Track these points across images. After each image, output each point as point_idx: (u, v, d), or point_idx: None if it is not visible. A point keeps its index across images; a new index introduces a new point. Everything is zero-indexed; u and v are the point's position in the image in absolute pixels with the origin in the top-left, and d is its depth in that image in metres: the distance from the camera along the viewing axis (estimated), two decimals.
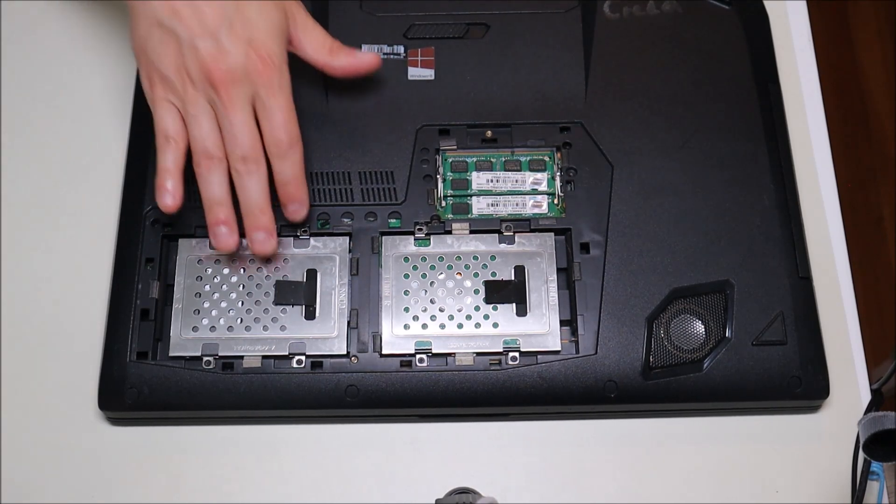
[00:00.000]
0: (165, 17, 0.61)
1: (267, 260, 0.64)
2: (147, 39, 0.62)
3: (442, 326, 0.63)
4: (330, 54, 0.66)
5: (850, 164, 1.42)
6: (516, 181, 0.67)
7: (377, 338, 0.63)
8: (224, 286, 0.64)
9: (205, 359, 0.62)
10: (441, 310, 0.63)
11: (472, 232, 0.65)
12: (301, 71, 0.69)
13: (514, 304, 0.64)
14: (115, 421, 0.63)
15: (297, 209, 0.64)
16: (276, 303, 0.63)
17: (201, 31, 0.60)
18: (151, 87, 0.63)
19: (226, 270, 0.64)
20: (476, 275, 0.64)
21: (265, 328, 0.63)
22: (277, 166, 0.63)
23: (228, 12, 0.61)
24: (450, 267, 0.65)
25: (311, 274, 0.64)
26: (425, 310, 0.63)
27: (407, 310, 0.63)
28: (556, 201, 0.67)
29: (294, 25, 0.65)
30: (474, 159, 0.68)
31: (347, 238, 0.65)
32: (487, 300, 0.64)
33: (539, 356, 0.62)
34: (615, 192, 0.66)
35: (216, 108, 0.61)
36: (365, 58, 0.67)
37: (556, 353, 0.63)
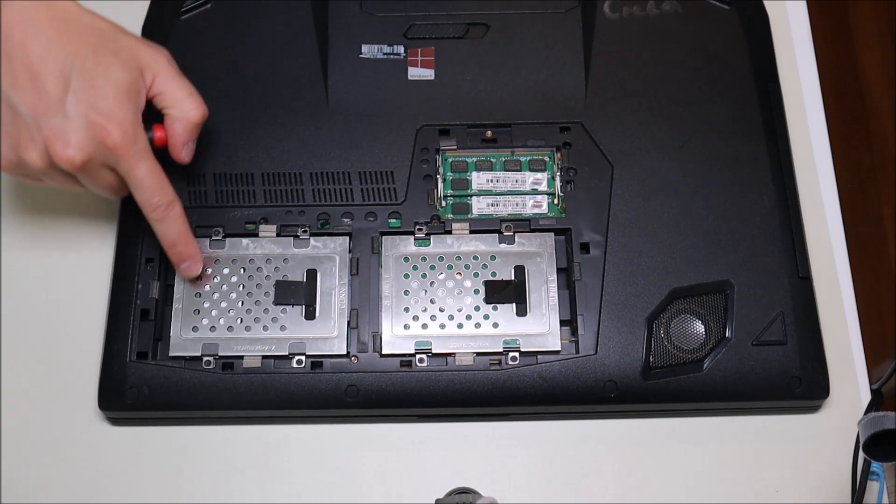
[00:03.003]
0: (6, 85, 0.56)
1: (267, 260, 0.64)
2: None
3: (442, 326, 0.63)
4: (186, 132, 0.61)
5: (850, 164, 1.42)
6: (516, 181, 0.67)
7: (377, 338, 0.63)
8: (224, 286, 0.64)
9: (205, 359, 0.62)
10: (441, 310, 0.63)
11: (472, 232, 0.65)
12: (300, 69, 0.69)
13: (514, 304, 0.64)
14: (115, 421, 0.63)
15: (190, 266, 0.62)
16: (276, 303, 0.63)
17: (44, 108, 0.55)
18: (4, 168, 0.59)
19: (226, 270, 0.64)
20: (476, 275, 0.64)
21: (265, 328, 0.63)
22: (160, 229, 0.61)
23: (71, 80, 0.56)
24: (450, 267, 0.65)
25: (311, 274, 0.64)
26: (425, 310, 0.63)
27: (407, 310, 0.63)
28: (556, 201, 0.67)
29: (155, 77, 0.60)
30: (474, 159, 0.68)
31: (347, 238, 0.65)
32: (487, 300, 0.64)
33: (539, 356, 0.62)
34: (615, 192, 0.66)
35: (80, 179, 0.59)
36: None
37: (556, 353, 0.63)
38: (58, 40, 0.56)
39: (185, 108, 0.61)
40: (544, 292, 0.64)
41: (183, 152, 0.62)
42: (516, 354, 0.62)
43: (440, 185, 0.67)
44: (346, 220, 0.66)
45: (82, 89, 0.56)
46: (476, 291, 0.64)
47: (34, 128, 0.56)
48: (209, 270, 0.64)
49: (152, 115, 0.61)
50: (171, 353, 0.62)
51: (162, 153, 0.61)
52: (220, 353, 0.62)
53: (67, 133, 0.56)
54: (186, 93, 0.61)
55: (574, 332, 0.63)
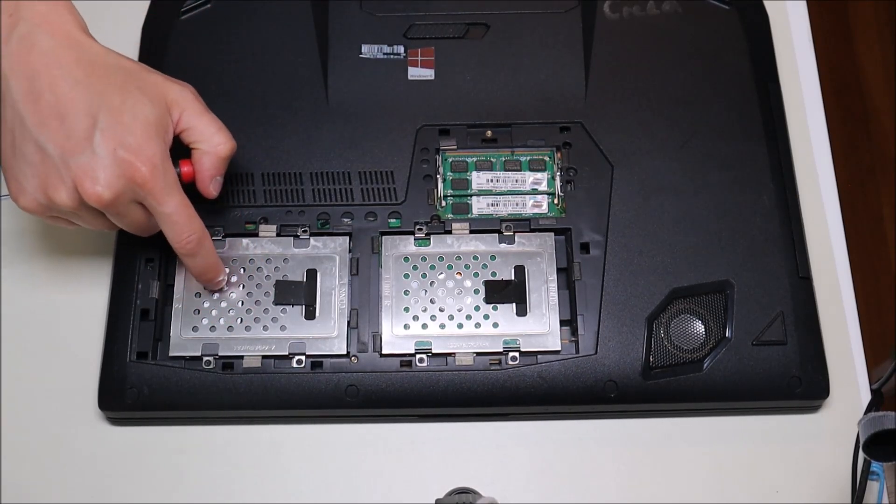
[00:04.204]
0: (34, 126, 0.56)
1: (267, 260, 0.64)
2: (13, 156, 0.57)
3: (442, 326, 0.63)
4: (216, 167, 0.61)
5: (850, 164, 1.42)
6: (516, 181, 0.67)
7: (377, 338, 0.63)
8: (224, 286, 0.64)
9: (205, 359, 0.62)
10: (441, 310, 0.63)
11: (472, 232, 0.65)
12: (300, 69, 0.69)
13: (514, 304, 0.64)
14: (115, 421, 0.63)
15: (219, 282, 0.63)
16: (276, 303, 0.63)
17: (72, 147, 0.55)
18: (34, 209, 0.58)
19: (226, 270, 0.64)
20: (476, 275, 0.64)
21: (265, 328, 0.63)
22: (190, 262, 0.61)
23: (99, 118, 0.56)
24: (450, 267, 0.65)
25: (311, 274, 0.64)
26: (425, 310, 0.63)
27: (407, 310, 0.63)
28: (556, 201, 0.67)
29: (182, 113, 0.60)
30: (474, 159, 0.68)
31: (347, 238, 0.65)
32: (487, 300, 0.64)
33: (539, 356, 0.62)
34: (615, 192, 0.66)
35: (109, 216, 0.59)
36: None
37: (556, 353, 0.63)
38: (85, 80, 0.56)
39: (213, 143, 0.61)
40: (544, 292, 0.64)
41: (211, 186, 0.62)
42: (516, 354, 0.62)
43: (440, 185, 0.67)
44: (346, 220, 0.66)
45: (109, 127, 0.56)
46: (476, 291, 0.64)
47: (63, 167, 0.56)
48: None
49: (178, 151, 0.61)
50: (171, 353, 0.62)
51: (187, 187, 0.61)
52: (220, 353, 0.62)
53: (96, 170, 0.56)
54: (215, 128, 0.61)
55: (574, 332, 0.63)
